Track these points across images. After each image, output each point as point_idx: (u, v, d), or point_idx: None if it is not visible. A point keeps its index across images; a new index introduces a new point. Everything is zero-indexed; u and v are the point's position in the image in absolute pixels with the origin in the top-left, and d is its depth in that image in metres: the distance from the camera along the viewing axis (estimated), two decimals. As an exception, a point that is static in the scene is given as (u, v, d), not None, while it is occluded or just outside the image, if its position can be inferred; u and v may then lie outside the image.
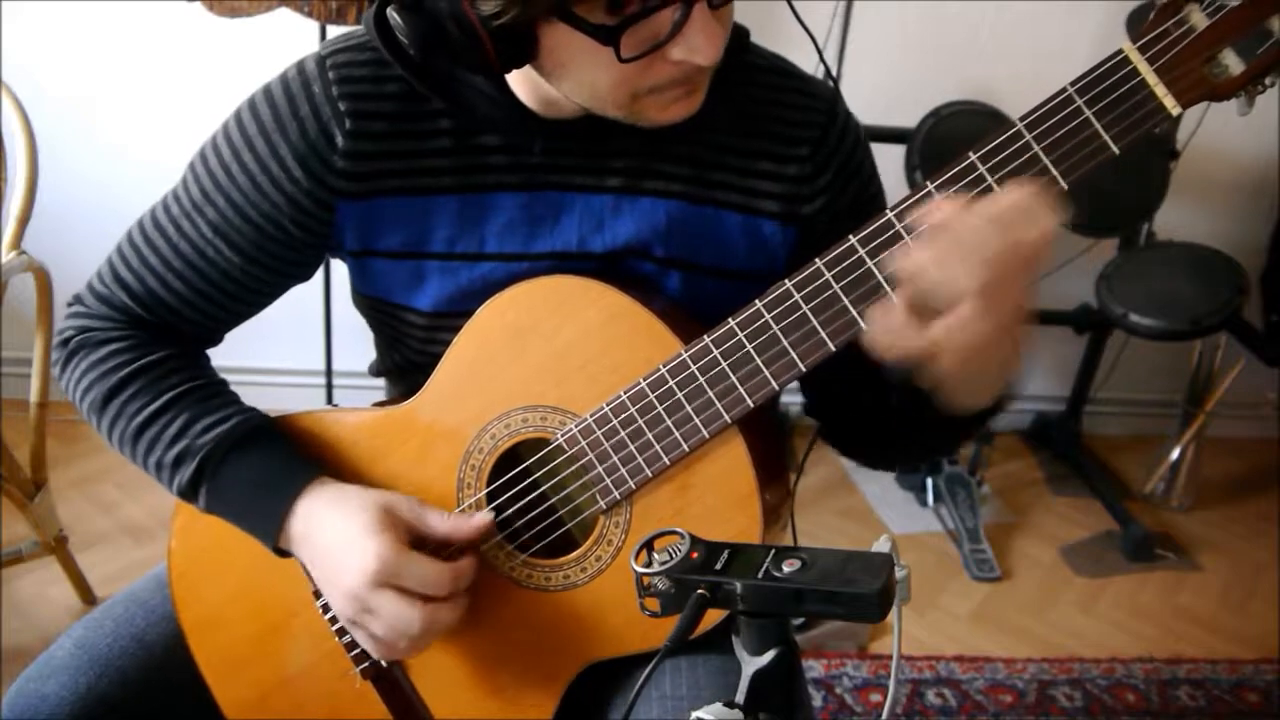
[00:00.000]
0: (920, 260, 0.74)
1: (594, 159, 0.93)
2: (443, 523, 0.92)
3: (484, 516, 0.94)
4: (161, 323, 1.00)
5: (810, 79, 0.99)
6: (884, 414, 0.95)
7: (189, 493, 0.96)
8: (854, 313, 0.82)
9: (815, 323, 0.83)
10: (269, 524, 0.94)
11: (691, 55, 0.78)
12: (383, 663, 0.99)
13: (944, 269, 0.73)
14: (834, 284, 0.82)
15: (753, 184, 0.95)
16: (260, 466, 0.95)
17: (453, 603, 0.91)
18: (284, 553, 0.96)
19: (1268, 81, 0.76)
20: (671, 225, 0.95)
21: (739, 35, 0.94)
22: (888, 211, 0.80)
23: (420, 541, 0.92)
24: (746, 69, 0.96)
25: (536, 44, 0.79)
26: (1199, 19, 0.74)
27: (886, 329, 0.77)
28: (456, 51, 0.78)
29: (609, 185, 0.94)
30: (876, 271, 0.81)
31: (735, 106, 0.94)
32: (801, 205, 0.96)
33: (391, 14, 0.79)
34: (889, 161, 2.51)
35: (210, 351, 1.05)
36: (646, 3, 0.75)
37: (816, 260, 0.83)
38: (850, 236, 0.82)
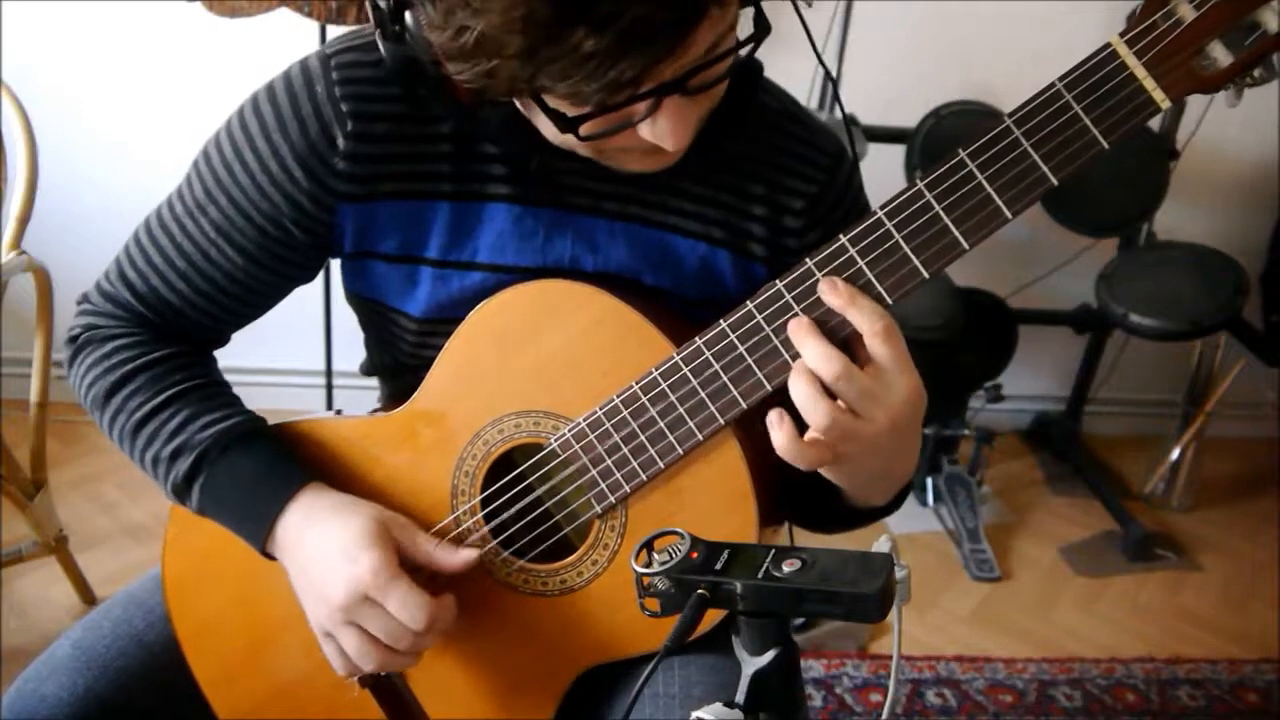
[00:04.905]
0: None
1: (591, 181, 0.93)
2: (431, 548, 0.93)
3: (469, 553, 0.93)
4: (166, 322, 0.99)
5: (818, 127, 0.97)
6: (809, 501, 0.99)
7: (183, 488, 0.95)
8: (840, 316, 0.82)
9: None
10: (260, 525, 0.93)
11: (659, 139, 0.78)
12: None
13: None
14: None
15: (747, 226, 0.95)
16: (255, 466, 0.95)
17: (429, 637, 0.90)
18: (270, 556, 0.95)
19: (1256, 74, 0.75)
20: (665, 257, 0.95)
21: (753, 71, 0.89)
22: (873, 214, 0.81)
23: (408, 566, 0.92)
24: (756, 108, 0.94)
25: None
26: (1186, 11, 0.74)
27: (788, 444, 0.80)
28: (432, 88, 0.80)
29: (604, 209, 0.94)
30: (867, 270, 0.81)
31: (739, 146, 0.93)
32: (787, 244, 0.97)
33: (377, 38, 0.81)
34: (889, 161, 2.51)
35: (209, 351, 1.05)
36: (602, 108, 0.74)
37: (807, 260, 0.83)
38: (840, 236, 0.82)
